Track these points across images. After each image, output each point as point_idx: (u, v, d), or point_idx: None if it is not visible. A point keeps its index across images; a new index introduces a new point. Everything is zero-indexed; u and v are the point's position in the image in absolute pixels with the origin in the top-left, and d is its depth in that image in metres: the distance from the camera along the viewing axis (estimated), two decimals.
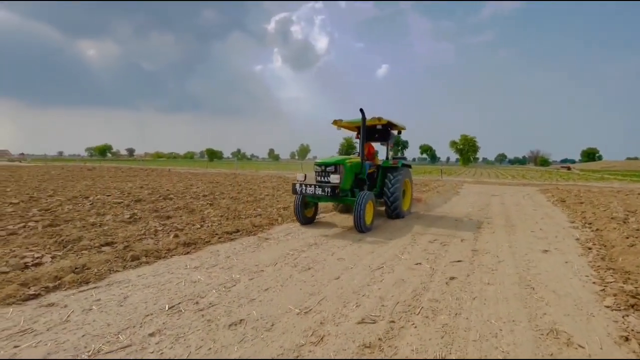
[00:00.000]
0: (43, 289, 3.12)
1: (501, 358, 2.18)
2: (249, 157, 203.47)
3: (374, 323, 2.62)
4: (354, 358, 2.18)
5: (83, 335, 2.38)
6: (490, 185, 18.75)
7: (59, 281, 3.31)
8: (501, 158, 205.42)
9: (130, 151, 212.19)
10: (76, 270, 3.58)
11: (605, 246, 5.04)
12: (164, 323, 2.57)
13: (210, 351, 2.23)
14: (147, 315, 2.70)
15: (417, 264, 4.13)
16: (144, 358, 1.95)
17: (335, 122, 7.47)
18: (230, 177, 21.30)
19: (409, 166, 8.03)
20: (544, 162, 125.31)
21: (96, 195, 9.82)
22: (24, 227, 5.50)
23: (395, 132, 7.99)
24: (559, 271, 3.96)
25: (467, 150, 63.82)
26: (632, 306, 2.90)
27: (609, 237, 5.49)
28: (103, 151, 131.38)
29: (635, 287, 3.27)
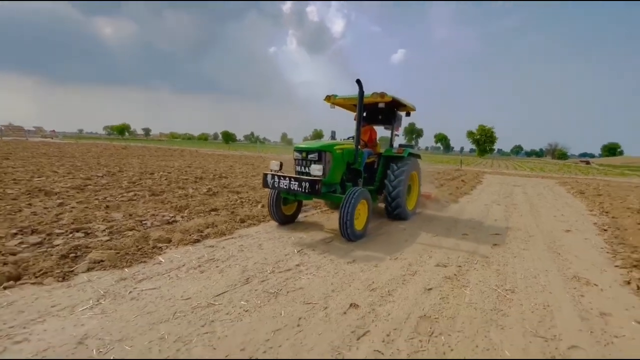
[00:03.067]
0: (198, 237, 4.32)
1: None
2: (262, 140, 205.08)
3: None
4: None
5: (255, 263, 3.55)
6: (509, 177, 19.48)
7: (203, 233, 4.51)
8: (517, 150, 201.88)
9: (147, 131, 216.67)
10: (210, 226, 4.78)
11: (619, 229, 5.99)
12: (301, 259, 3.74)
13: (338, 277, 3.35)
14: (285, 254, 3.87)
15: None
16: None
17: (328, 99, 5.90)
18: (259, 159, 22.57)
19: (418, 156, 6.62)
20: (562, 155, 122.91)
21: (159, 172, 11.12)
22: (135, 195, 6.78)
23: (402, 113, 6.50)
24: (579, 244, 4.98)
25: (484, 141, 63.48)
26: (635, 266, 3.92)
27: (623, 222, 6.43)
28: (121, 130, 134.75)
29: None
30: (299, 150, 4.86)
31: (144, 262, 3.41)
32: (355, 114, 6.12)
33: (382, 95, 5.29)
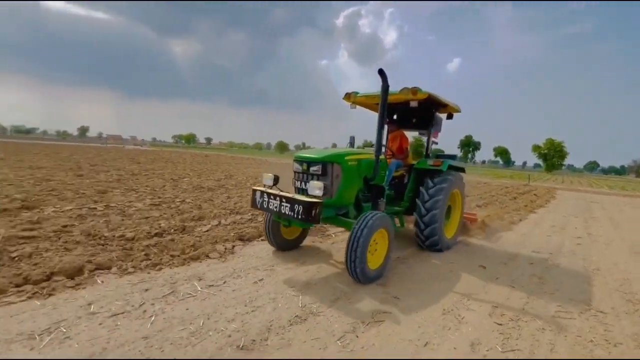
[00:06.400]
0: None
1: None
2: None
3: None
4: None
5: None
6: (585, 193, 18.88)
7: None
8: (592, 166, 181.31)
9: (208, 140, 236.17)
10: None
11: None
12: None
13: None
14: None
15: None
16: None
17: (347, 97, 4.88)
18: None
19: (461, 169, 5.31)
20: None
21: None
22: None
23: (442, 115, 5.20)
24: None
25: (552, 155, 59.12)
26: None
27: None
28: (189, 139, 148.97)
29: None
30: (299, 160, 3.76)
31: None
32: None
33: (415, 91, 4.12)
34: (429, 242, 4.54)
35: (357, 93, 4.76)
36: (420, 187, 4.61)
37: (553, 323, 2.82)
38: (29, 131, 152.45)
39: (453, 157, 5.13)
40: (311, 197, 3.31)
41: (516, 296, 3.35)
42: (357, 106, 5.02)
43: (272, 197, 3.50)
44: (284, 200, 3.36)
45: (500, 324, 2.74)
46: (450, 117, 5.36)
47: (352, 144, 4.72)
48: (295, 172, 3.88)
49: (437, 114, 5.02)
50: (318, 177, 3.59)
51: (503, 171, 63.06)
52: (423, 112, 4.91)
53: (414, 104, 4.28)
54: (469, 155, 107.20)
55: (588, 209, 11.11)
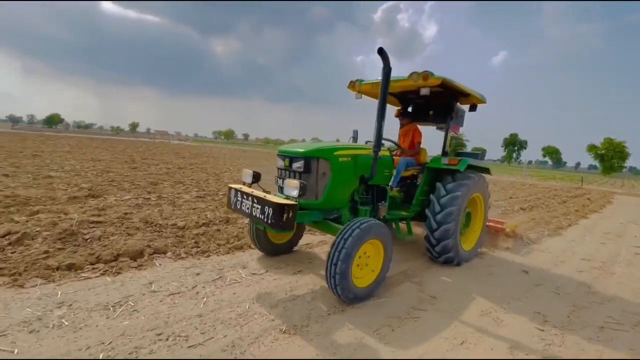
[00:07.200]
0: None
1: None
2: None
3: None
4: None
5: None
6: None
7: None
8: None
9: (246, 136, 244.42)
10: None
11: None
12: None
13: None
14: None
15: None
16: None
17: (352, 86, 4.29)
18: None
19: (485, 170, 4.61)
20: None
21: None
22: None
23: (464, 107, 4.56)
24: None
25: (611, 156, 53.79)
26: None
27: None
28: (228, 135, 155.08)
29: None
30: (282, 155, 3.34)
31: None
32: (397, 108, 4.93)
33: (426, 75, 3.45)
34: (442, 258, 3.90)
35: (362, 81, 4.17)
36: (431, 196, 3.93)
37: (602, 333, 2.69)
38: (87, 126, 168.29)
39: (474, 155, 4.44)
40: (285, 200, 2.77)
41: (561, 303, 3.22)
42: (363, 96, 4.43)
43: (245, 196, 3.00)
44: (255, 201, 2.85)
45: (542, 330, 2.67)
46: (473, 108, 4.58)
47: (355, 138, 4.17)
48: (277, 168, 3.44)
49: (458, 104, 4.40)
50: (300, 175, 3.12)
51: (552, 172, 58.53)
52: (442, 102, 4.34)
53: (425, 91, 3.68)
54: (514, 155, 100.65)
55: None
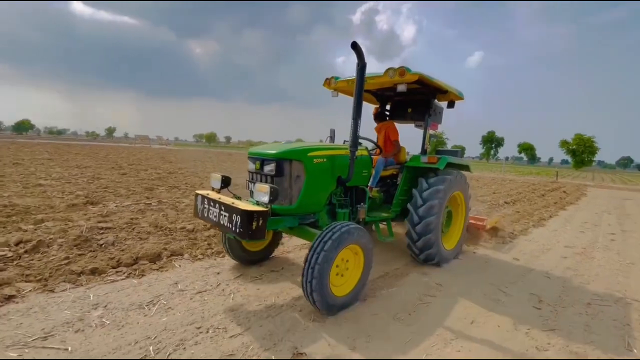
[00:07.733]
0: None
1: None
2: None
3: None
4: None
5: None
6: (617, 190, 18.25)
7: None
8: (625, 162, 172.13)
9: (228, 139, 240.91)
10: None
11: None
12: None
13: None
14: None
15: None
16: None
17: (327, 83, 4.19)
18: None
19: (465, 167, 4.63)
20: None
21: None
22: None
23: (442, 104, 4.56)
24: None
25: (582, 151, 56.59)
26: None
27: None
28: (209, 138, 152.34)
29: None
30: (253, 157, 3.19)
31: None
32: (375, 106, 4.81)
33: (402, 72, 3.40)
34: (423, 255, 3.81)
35: (337, 78, 4.06)
36: (413, 190, 3.90)
37: (589, 309, 3.04)
38: (60, 132, 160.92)
39: (454, 152, 4.44)
40: (254, 206, 2.58)
41: (552, 285, 3.57)
42: (340, 94, 4.32)
43: (212, 203, 2.80)
44: (223, 208, 2.65)
45: (539, 308, 2.99)
46: (451, 105, 4.51)
47: (332, 138, 4.08)
48: (248, 171, 3.26)
49: (436, 102, 4.37)
50: (272, 179, 2.96)
51: (528, 168, 61.10)
52: (420, 100, 4.33)
53: (402, 87, 3.53)
54: (492, 152, 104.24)
55: (621, 206, 10.88)
